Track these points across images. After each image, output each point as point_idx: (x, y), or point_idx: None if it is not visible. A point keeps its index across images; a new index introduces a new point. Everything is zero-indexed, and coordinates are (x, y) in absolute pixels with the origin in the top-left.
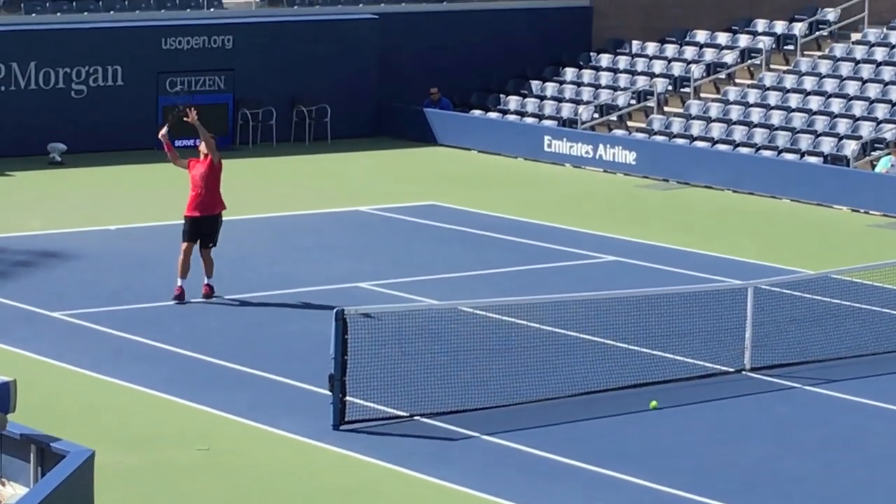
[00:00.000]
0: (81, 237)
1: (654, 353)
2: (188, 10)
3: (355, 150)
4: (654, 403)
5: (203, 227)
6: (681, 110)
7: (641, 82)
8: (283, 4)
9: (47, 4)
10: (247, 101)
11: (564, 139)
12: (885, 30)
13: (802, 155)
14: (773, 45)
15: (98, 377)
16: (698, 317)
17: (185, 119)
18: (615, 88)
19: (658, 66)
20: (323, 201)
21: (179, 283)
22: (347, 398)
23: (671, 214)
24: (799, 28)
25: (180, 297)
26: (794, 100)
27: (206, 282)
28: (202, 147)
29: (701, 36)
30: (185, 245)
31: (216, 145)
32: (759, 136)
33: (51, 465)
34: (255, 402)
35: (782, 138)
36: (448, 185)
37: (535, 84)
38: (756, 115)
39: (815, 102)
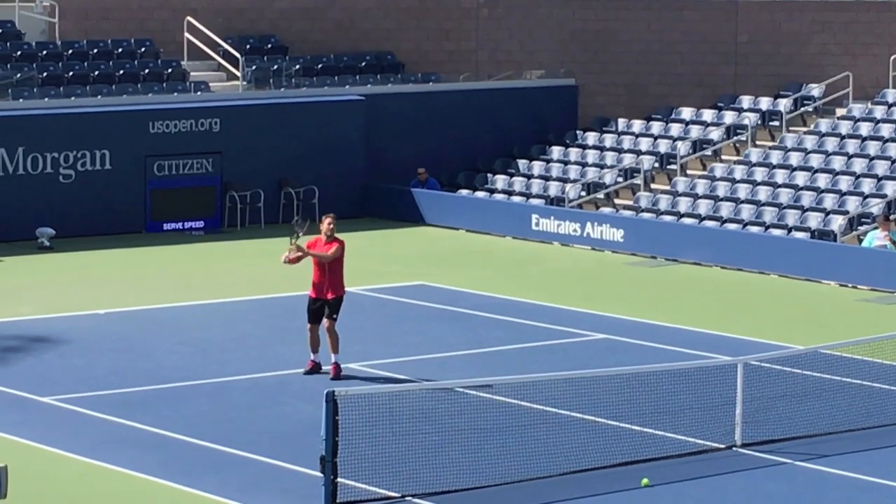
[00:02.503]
0: (71, 322)
1: (645, 430)
2: (175, 94)
3: (343, 231)
4: (645, 481)
5: (326, 304)
6: (668, 187)
7: (628, 160)
8: (269, 87)
9: (35, 90)
10: (234, 183)
11: (552, 217)
12: (869, 104)
13: (790, 230)
14: (759, 122)
15: (90, 462)
16: (688, 394)
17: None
18: (602, 166)
19: (644, 144)
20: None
21: (312, 357)
22: (339, 479)
23: (660, 291)
24: (784, 104)
25: (312, 371)
26: (780, 175)
27: (333, 360)
28: (327, 227)
29: (686, 113)
30: (310, 326)
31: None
32: (747, 212)
33: None
34: (247, 485)
35: (769, 214)
36: (436, 265)
37: (523, 163)
38: (743, 191)
39: (801, 178)
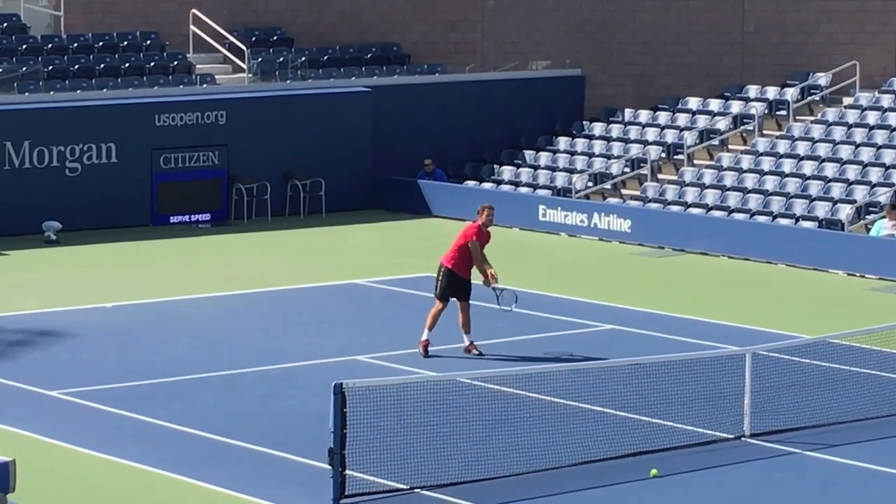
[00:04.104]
0: (78, 315)
1: (654, 420)
2: (181, 87)
3: (350, 224)
4: (654, 472)
5: (457, 286)
6: (675, 177)
7: (635, 150)
8: (275, 79)
9: (41, 83)
10: (241, 176)
11: (559, 208)
12: (876, 93)
13: (797, 220)
14: (766, 111)
15: (98, 456)
16: (697, 384)
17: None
18: (609, 157)
19: (651, 134)
20: (319, 275)
21: (427, 335)
22: (347, 472)
23: (667, 282)
24: (791, 93)
25: (426, 349)
26: (787, 165)
27: (471, 338)
28: (488, 219)
29: (693, 103)
30: (441, 306)
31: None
32: (754, 201)
33: None
34: (256, 478)
35: (777, 203)
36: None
37: (529, 154)
38: (750, 180)
39: (808, 167)
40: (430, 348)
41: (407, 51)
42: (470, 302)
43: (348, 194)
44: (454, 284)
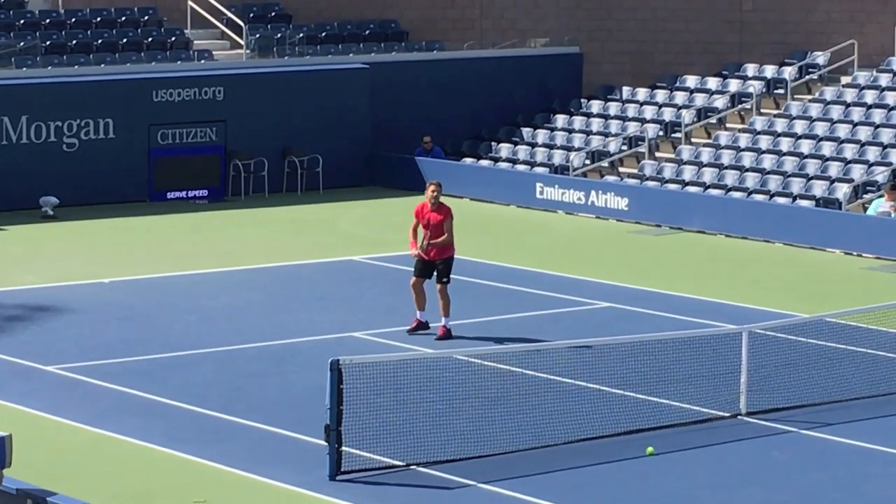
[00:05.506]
0: (75, 290)
1: (650, 398)
2: (179, 62)
3: (348, 200)
4: (650, 449)
5: (435, 265)
6: (672, 155)
7: (632, 128)
8: (273, 55)
9: (38, 59)
10: (238, 152)
11: (556, 186)
12: (874, 72)
13: (794, 198)
14: (764, 90)
15: (94, 431)
16: (693, 362)
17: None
18: (606, 134)
19: (649, 112)
20: (316, 251)
21: (418, 315)
22: (343, 448)
23: (664, 260)
24: (789, 72)
25: (417, 328)
26: (785, 143)
27: (442, 323)
28: (430, 194)
29: (691, 81)
30: (413, 280)
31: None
32: (751, 180)
33: None
34: (251, 454)
35: (774, 182)
36: None
37: (527, 131)
38: (747, 159)
39: (806, 146)
40: (421, 327)
41: (405, 27)
42: (446, 282)
43: (346, 171)
44: (426, 266)
